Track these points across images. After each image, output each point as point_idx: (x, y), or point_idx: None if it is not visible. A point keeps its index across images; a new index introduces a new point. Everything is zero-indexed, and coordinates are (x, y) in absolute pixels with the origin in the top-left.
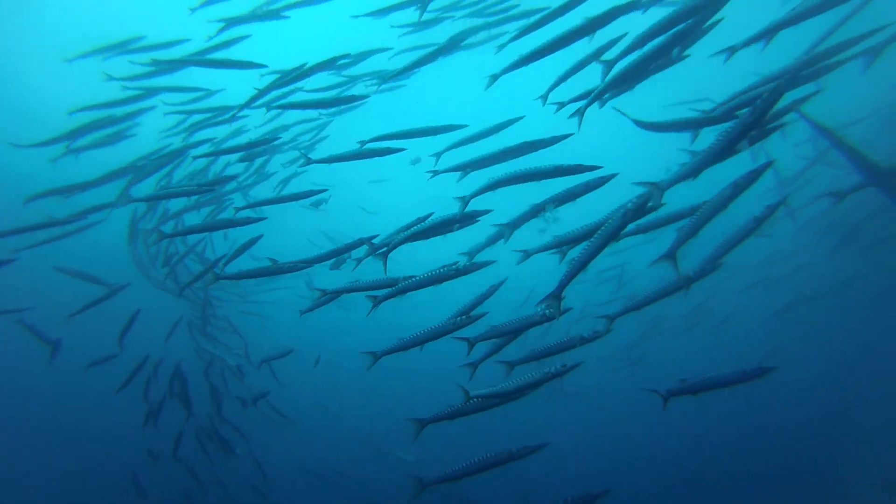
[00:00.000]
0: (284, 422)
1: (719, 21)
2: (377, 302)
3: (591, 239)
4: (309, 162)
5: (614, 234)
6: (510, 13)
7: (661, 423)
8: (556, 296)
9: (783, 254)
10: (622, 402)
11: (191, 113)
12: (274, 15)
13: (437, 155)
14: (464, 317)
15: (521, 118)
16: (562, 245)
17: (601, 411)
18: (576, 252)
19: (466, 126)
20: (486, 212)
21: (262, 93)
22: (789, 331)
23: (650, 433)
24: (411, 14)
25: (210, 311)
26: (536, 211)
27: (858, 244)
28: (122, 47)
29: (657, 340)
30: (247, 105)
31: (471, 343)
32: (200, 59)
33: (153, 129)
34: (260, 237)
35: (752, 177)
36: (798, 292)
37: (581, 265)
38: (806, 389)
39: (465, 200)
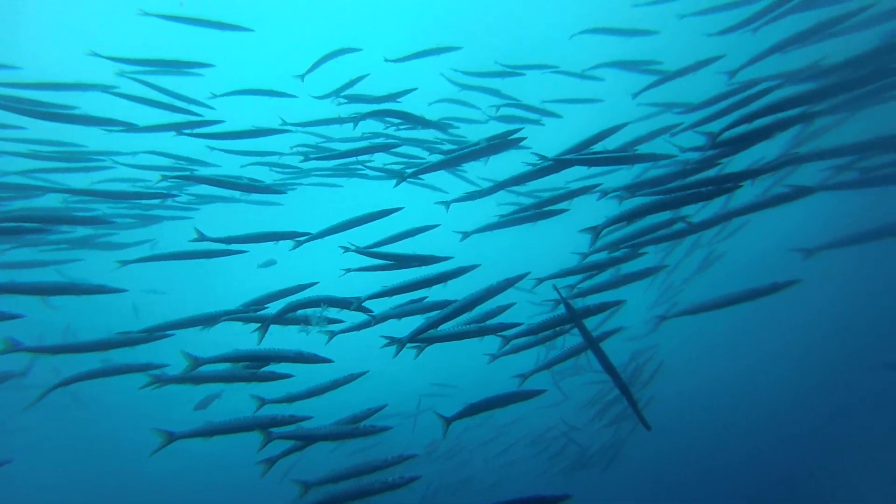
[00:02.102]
0: None
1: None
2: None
3: (455, 304)
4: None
5: (473, 304)
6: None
7: None
8: (403, 341)
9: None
10: None
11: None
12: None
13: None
14: (286, 416)
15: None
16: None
17: None
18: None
19: (403, 208)
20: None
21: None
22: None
23: None
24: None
25: None
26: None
27: (604, 420)
28: None
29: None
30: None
31: (269, 438)
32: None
33: None
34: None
35: (507, 284)
36: (572, 458)
37: (434, 322)
38: None
39: None
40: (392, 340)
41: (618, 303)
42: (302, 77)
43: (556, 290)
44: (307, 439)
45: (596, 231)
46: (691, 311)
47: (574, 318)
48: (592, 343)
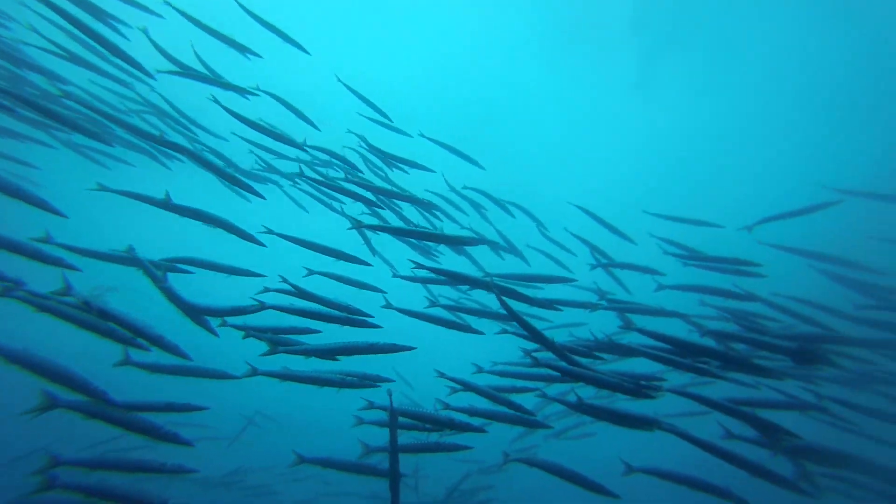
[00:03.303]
0: None
1: None
2: None
3: (333, 344)
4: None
5: (351, 351)
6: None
7: None
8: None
9: None
10: None
11: None
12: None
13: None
14: None
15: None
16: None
17: None
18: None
19: (371, 265)
20: None
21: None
22: None
23: None
24: None
25: None
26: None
27: None
28: None
29: None
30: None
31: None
32: None
33: None
34: None
35: (392, 348)
36: None
37: (303, 350)
38: None
39: None
40: (253, 369)
41: (479, 429)
42: (338, 79)
43: (389, 394)
44: (95, 416)
45: (534, 359)
46: (530, 462)
47: (391, 418)
48: (394, 449)
